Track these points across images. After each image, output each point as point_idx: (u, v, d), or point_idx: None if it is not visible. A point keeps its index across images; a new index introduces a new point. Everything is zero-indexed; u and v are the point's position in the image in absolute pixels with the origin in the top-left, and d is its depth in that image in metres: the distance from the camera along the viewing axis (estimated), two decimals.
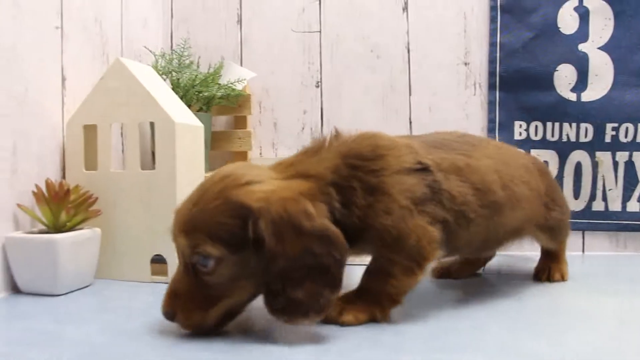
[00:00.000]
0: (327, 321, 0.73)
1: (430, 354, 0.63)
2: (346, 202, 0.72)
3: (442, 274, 1.06)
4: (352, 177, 0.72)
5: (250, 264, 0.66)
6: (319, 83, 1.42)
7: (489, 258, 1.12)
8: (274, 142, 1.43)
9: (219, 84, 1.30)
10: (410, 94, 1.39)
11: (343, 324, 0.73)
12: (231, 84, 1.30)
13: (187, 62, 1.31)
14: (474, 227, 0.81)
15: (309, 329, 0.72)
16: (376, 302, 0.75)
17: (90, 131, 1.05)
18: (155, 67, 1.25)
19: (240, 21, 1.46)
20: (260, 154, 1.43)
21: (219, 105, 1.36)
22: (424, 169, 0.76)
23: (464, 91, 1.37)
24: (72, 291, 0.92)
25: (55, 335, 0.70)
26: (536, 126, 1.32)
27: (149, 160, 1.24)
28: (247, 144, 1.39)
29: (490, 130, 1.35)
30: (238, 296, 0.68)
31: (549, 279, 1.01)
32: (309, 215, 0.66)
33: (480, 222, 0.81)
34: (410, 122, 1.39)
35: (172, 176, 0.97)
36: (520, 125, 1.33)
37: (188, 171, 1.00)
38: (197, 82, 1.26)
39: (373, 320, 0.74)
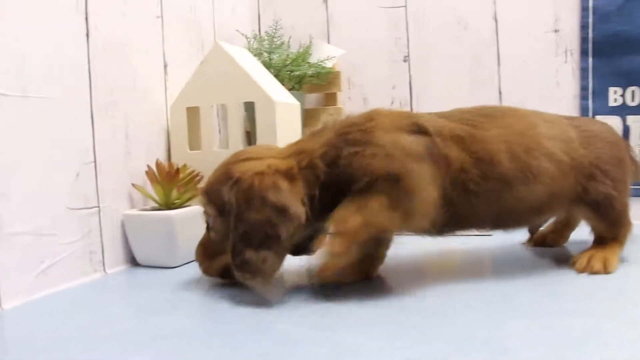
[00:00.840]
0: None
1: (539, 317, 0.64)
2: (332, 162, 0.74)
3: (538, 242, 1.04)
4: (341, 141, 0.75)
5: None
6: (407, 57, 1.44)
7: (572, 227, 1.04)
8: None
9: (309, 62, 1.33)
10: (498, 65, 1.38)
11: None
12: (321, 62, 1.33)
13: (279, 42, 1.35)
14: (475, 199, 0.77)
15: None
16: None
17: (192, 113, 1.10)
18: (248, 50, 1.29)
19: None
20: None
21: (310, 84, 1.39)
22: (421, 132, 0.75)
23: (555, 59, 1.35)
24: (185, 263, 0.99)
25: (179, 302, 0.76)
26: (633, 91, 1.29)
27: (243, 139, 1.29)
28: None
29: (584, 98, 1.32)
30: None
31: (587, 268, 0.84)
32: (278, 189, 0.72)
33: (483, 195, 0.77)
34: (500, 93, 1.38)
35: None
36: (615, 92, 1.30)
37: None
38: (288, 62, 1.30)
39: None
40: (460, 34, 1.40)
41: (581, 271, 0.83)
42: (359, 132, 0.74)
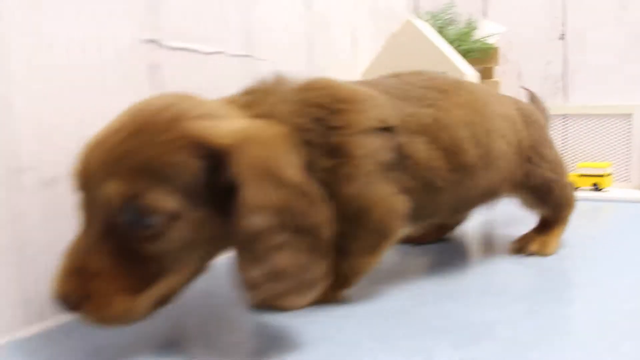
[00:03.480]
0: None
1: None
2: (307, 159, 0.57)
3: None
4: (313, 131, 0.58)
5: (212, 222, 0.49)
6: (563, 35, 1.51)
7: (459, 223, 0.97)
8: (518, 90, 1.54)
9: (474, 39, 1.43)
10: None
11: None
12: (485, 38, 1.43)
13: (448, 20, 1.45)
14: (440, 195, 0.68)
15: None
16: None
17: None
18: None
19: None
20: None
21: (471, 58, 1.49)
22: (388, 129, 0.63)
23: None
24: None
25: None
26: None
27: None
28: (495, 91, 1.52)
29: None
30: (187, 271, 0.51)
31: (522, 249, 0.83)
32: (291, 163, 0.50)
33: (449, 189, 0.68)
34: None
35: None
36: None
37: None
38: (456, 38, 1.40)
39: (324, 301, 0.62)
40: (619, 14, 1.46)
41: (516, 253, 0.82)
42: (332, 132, 0.59)
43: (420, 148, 0.64)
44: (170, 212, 0.46)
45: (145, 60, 0.74)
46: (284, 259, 0.47)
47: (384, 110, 0.63)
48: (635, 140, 1.42)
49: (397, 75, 0.75)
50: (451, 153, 0.67)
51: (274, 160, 0.49)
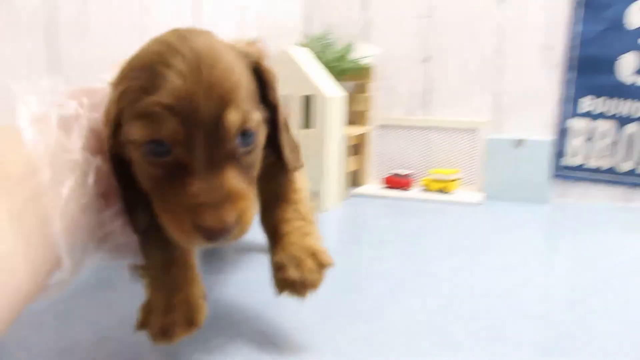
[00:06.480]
0: None
1: None
2: None
3: None
4: None
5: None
6: (428, 59, 1.77)
7: None
8: (389, 104, 1.80)
9: (350, 59, 1.68)
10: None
11: None
12: (359, 59, 1.68)
13: (328, 43, 1.69)
14: None
15: None
16: None
17: None
18: (304, 46, 1.63)
19: (365, 6, 1.82)
20: (376, 113, 1.81)
21: (348, 74, 1.74)
22: None
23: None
24: None
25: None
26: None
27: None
28: (367, 104, 1.77)
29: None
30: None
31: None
32: None
33: None
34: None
35: (323, 132, 1.36)
36: None
37: (334, 128, 1.40)
38: (334, 59, 1.64)
39: None
40: (470, 44, 1.73)
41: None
42: None
43: None
44: (259, 123, 0.53)
45: None
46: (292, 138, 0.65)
47: None
48: (478, 151, 1.71)
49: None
50: None
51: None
